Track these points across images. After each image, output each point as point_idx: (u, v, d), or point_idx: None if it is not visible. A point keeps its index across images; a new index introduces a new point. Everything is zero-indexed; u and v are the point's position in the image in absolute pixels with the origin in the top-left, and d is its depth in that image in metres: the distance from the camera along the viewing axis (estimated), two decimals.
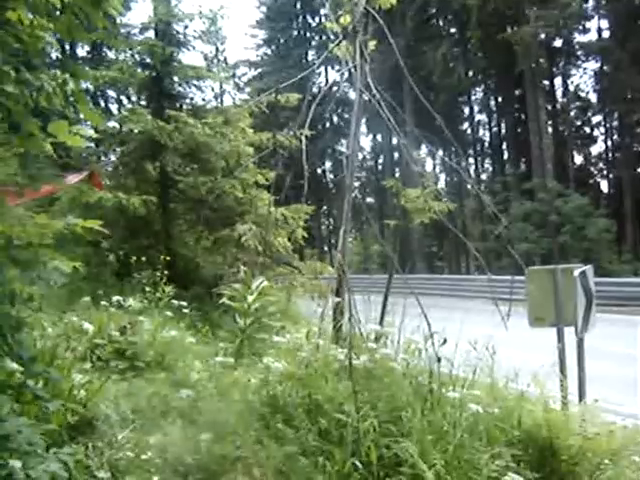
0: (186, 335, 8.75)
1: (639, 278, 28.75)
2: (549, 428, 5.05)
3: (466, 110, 56.42)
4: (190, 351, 8.02)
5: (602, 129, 50.99)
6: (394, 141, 48.89)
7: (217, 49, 52.17)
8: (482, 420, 5.01)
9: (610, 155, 50.68)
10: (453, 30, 52.12)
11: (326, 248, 63.44)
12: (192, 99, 17.13)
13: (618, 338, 15.49)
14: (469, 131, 56.62)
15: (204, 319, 11.16)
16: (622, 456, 5.00)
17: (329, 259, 44.28)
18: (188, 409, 5.36)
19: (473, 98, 55.72)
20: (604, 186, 52.02)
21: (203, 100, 17.91)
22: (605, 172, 52.10)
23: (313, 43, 61.61)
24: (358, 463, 4.46)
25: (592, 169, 52.79)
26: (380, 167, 62.21)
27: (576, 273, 7.03)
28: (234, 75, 58.61)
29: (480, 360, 5.76)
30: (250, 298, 8.94)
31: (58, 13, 3.73)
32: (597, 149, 52.41)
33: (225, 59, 58.66)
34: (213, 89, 21.84)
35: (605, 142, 50.87)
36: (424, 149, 38.70)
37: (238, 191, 14.89)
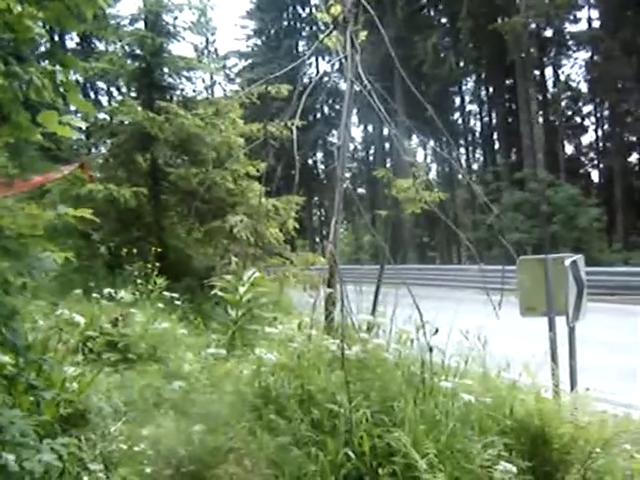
0: (178, 327, 8.75)
1: (629, 267, 28.88)
2: (541, 417, 5.07)
3: (457, 100, 56.44)
4: (182, 343, 8.02)
5: (593, 119, 51.10)
6: (385, 131, 49.01)
7: (207, 40, 52.23)
8: (474, 410, 5.04)
9: (601, 145, 50.81)
10: (444, 20, 52.11)
11: (318, 239, 63.50)
12: (182, 90, 17.07)
13: (609, 327, 15.58)
14: (460, 121, 56.70)
15: (196, 311, 11.16)
16: (613, 444, 5.02)
17: (321, 250, 44.21)
18: (180, 401, 5.35)
19: (464, 88, 55.76)
20: (595, 176, 52.26)
21: (194, 91, 17.86)
22: (596, 162, 52.24)
23: (304, 34, 61.60)
24: (351, 453, 4.47)
25: (583, 159, 52.90)
26: (371, 158, 62.22)
27: (567, 262, 7.05)
28: (224, 66, 58.53)
29: (472, 350, 5.78)
30: (242, 289, 8.94)
31: (47, 2, 3.70)
32: (588, 139, 52.60)
33: (215, 50, 58.80)
34: (204, 80, 21.81)
35: (596, 132, 50.99)
36: (415, 139, 38.77)
37: (229, 182, 14.86)
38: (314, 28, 56.51)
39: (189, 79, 16.98)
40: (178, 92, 16.97)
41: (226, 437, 4.67)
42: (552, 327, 6.95)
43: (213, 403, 5.11)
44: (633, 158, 48.27)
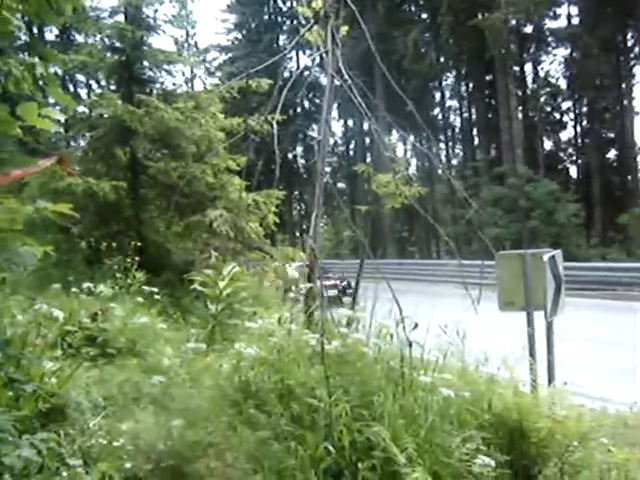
0: (157, 321, 8.72)
1: (607, 262, 29.15)
2: (519, 411, 5.11)
3: (437, 96, 56.71)
4: (161, 337, 8.00)
5: (571, 115, 51.59)
6: (365, 126, 49.03)
7: (187, 33, 52.07)
8: (453, 404, 5.06)
9: (579, 141, 51.25)
10: (424, 16, 52.31)
11: (298, 233, 63.54)
12: (162, 84, 16.99)
13: (587, 322, 15.73)
14: (440, 117, 56.90)
15: (175, 305, 11.13)
16: (590, 438, 5.08)
17: (301, 244, 44.22)
18: (160, 395, 5.34)
19: (444, 84, 56.06)
20: (573, 171, 52.80)
21: (174, 85, 17.79)
22: (574, 157, 52.71)
23: (284, 27, 61.50)
24: (330, 447, 4.48)
25: (561, 154, 53.36)
26: (352, 152, 62.31)
27: (545, 258, 7.11)
28: (205, 60, 58.49)
29: (451, 344, 5.80)
30: (222, 284, 8.92)
31: None
32: (566, 135, 53.13)
33: (196, 43, 58.68)
34: (184, 74, 21.75)
35: (574, 128, 51.51)
36: (395, 134, 38.80)
37: (209, 176, 14.81)
38: (295, 22, 56.42)
39: (169, 72, 16.91)
40: (158, 85, 16.89)
41: (206, 432, 4.66)
42: (530, 322, 7.01)
43: (193, 398, 5.11)
44: (611, 154, 48.85)
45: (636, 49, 45.28)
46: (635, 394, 8.75)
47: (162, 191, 15.40)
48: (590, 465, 4.91)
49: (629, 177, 45.82)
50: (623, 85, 44.85)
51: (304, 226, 59.98)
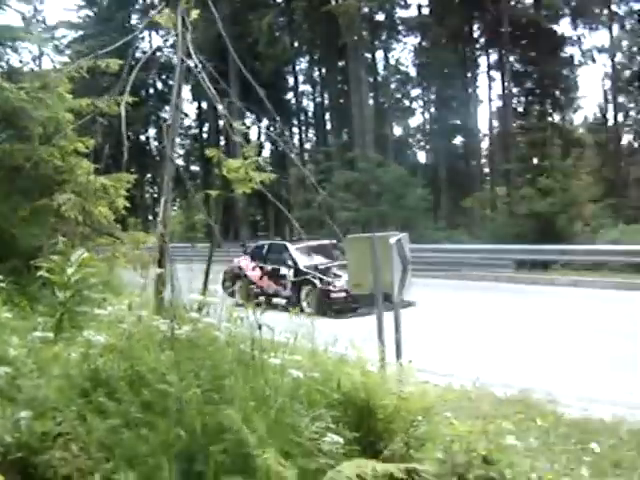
0: (2, 310, 8.41)
1: (452, 245, 30.40)
2: (366, 390, 5.27)
3: (291, 80, 56.92)
4: (7, 327, 7.72)
5: (420, 102, 53.23)
6: (219, 109, 48.68)
7: (35, 8, 49.83)
8: (303, 384, 5.16)
9: (427, 127, 53.00)
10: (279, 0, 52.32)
11: (150, 217, 62.46)
12: (8, 62, 16.29)
13: (437, 301, 16.41)
14: (293, 101, 57.19)
15: (22, 293, 10.74)
16: (435, 413, 5.33)
17: (153, 228, 43.49)
18: (6, 387, 5.19)
19: (298, 68, 56.32)
20: (422, 157, 54.61)
21: (20, 62, 17.07)
22: (422, 143, 54.53)
23: (137, 6, 59.98)
24: (182, 432, 4.49)
25: (410, 140, 55.02)
26: (205, 135, 61.74)
27: (392, 241, 7.37)
28: (54, 37, 56.16)
29: (301, 326, 5.91)
30: (70, 270, 8.70)
31: None
32: (415, 121, 54.80)
33: (44, 19, 56.16)
34: (31, 51, 20.89)
35: (423, 114, 53.28)
36: (250, 119, 38.78)
37: (57, 159, 14.33)
38: (148, 1, 55.25)
39: (15, 50, 16.22)
40: (3, 64, 16.19)
41: (54, 422, 4.58)
42: (378, 303, 7.26)
43: (40, 388, 4.99)
44: (457, 141, 50.88)
45: (481, 40, 47.33)
46: (486, 369, 9.17)
47: (7, 174, 14.78)
48: (434, 438, 5.13)
49: (473, 163, 47.97)
50: (469, 74, 46.81)
51: (157, 209, 59.03)
